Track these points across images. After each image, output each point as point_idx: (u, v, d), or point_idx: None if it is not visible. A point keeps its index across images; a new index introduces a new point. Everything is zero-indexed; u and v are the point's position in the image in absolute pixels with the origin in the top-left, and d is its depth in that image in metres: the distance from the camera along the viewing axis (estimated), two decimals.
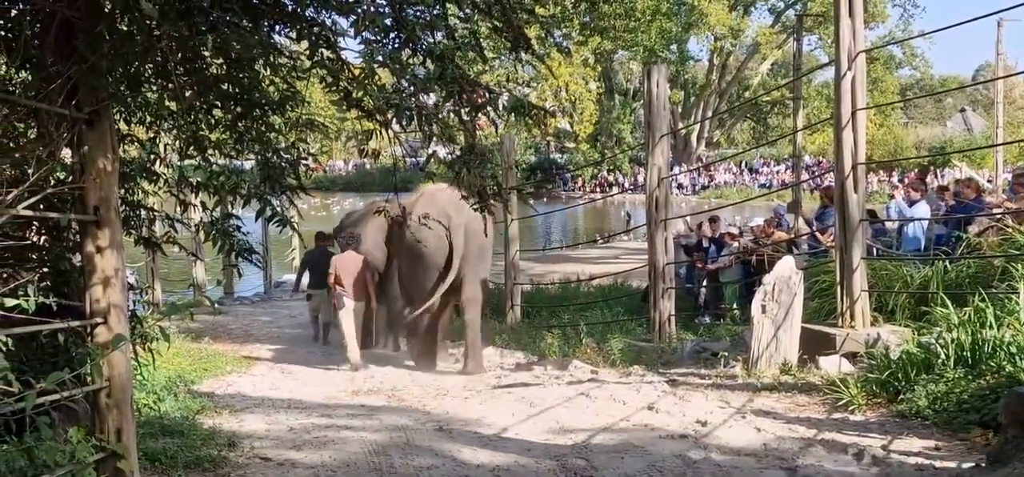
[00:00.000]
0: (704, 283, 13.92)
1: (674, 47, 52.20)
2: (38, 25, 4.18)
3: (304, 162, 5.19)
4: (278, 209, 5.09)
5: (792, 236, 14.00)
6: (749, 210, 38.24)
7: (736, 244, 14.12)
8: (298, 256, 25.38)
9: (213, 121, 5.09)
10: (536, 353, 11.12)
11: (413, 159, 5.48)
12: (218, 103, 4.95)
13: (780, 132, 58.47)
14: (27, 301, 3.89)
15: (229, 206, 5.41)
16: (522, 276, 14.81)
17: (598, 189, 62.77)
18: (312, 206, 46.97)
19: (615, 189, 59.75)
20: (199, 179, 5.17)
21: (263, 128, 5.07)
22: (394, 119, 4.30)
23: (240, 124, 5.03)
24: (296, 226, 5.13)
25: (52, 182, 4.07)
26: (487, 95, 4.51)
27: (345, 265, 11.23)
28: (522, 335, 12.38)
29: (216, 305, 16.81)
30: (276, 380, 10.22)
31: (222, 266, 19.39)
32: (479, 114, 4.56)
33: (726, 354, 9.04)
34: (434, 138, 4.46)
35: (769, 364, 8.41)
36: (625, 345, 10.38)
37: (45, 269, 4.51)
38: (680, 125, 52.02)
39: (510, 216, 13.49)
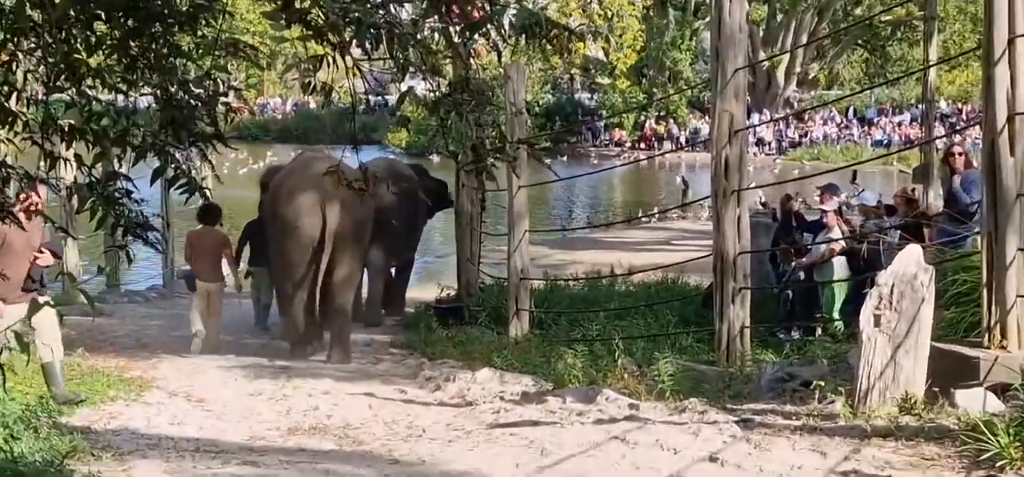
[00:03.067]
0: (793, 281, 13.92)
1: None
2: None
3: (224, 100, 5.18)
4: (185, 168, 5.09)
5: (920, 216, 13.99)
6: (860, 178, 38.07)
7: (837, 226, 14.13)
8: None
9: (93, 39, 5.08)
10: (551, 378, 11.13)
11: (379, 98, 5.49)
12: (101, 13, 4.93)
13: (904, 67, 58.38)
14: None
15: (115, 162, 5.41)
16: (533, 269, 14.84)
17: (642, 145, 62.84)
18: (235, 162, 47.04)
19: (667, 145, 59.77)
20: (72, 122, 5.17)
21: (165, 51, 5.06)
22: (354, 41, 4.29)
23: (132, 44, 5.02)
24: (209, 192, 5.12)
25: None
26: (487, 8, 4.50)
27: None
28: (531, 352, 12.41)
29: (95, 303, 16.83)
30: (180, 411, 10.26)
31: (104, 248, 19.42)
32: (476, 35, 4.54)
33: (822, 384, 9.03)
34: (411, 69, 4.45)
35: (883, 399, 8.39)
36: (678, 368, 10.38)
37: None
38: (762, 55, 51.86)
39: (516, 181, 13.50)
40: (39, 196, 8.24)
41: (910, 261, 8.68)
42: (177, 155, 5.12)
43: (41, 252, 10.04)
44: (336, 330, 13.58)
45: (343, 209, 13.24)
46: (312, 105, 76.55)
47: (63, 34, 4.96)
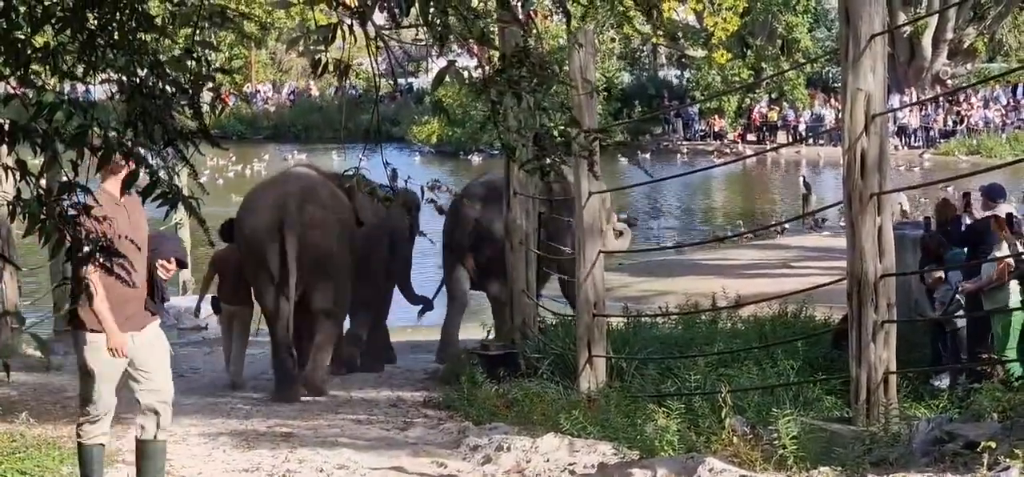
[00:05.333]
0: (952, 311, 13.82)
1: None
2: None
3: (209, 88, 5.20)
4: (161, 175, 5.11)
5: None
6: None
7: (1006, 241, 14.03)
8: (189, 260, 25.62)
9: (40, 10, 5.11)
10: (637, 445, 11.10)
11: (406, 80, 5.49)
12: None
13: None
14: None
15: (70, 169, 5.44)
16: (610, 302, 14.81)
17: (750, 137, 62.64)
18: (214, 170, 47.38)
19: (782, 137, 59.54)
20: (13, 118, 5.20)
21: (132, 23, 5.09)
22: (379, 4, 4.30)
23: (90, 16, 5.05)
24: (197, 205, 5.13)
25: None
26: None
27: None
28: (610, 412, 12.37)
29: (48, 350, 16.90)
30: None
31: (53, 282, 19.56)
32: None
33: (992, 446, 8.96)
34: (451, 38, 4.45)
35: None
36: (804, 428, 10.33)
37: None
38: (902, 18, 51.62)
39: (588, 185, 13.48)
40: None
41: None
42: (149, 159, 5.14)
43: (164, 262, 9.38)
44: (310, 356, 15.53)
45: (311, 231, 15.16)
46: (314, 93, 76.78)
47: (2, 5, 5.01)
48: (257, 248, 15.26)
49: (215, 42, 5.55)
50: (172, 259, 9.41)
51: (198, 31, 5.21)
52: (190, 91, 5.14)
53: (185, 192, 5.27)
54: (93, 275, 8.03)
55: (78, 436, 8.88)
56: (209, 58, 5.29)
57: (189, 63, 5.17)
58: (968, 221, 16.06)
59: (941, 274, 14.20)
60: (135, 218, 8.51)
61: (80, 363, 8.64)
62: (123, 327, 8.53)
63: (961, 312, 14.02)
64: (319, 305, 15.54)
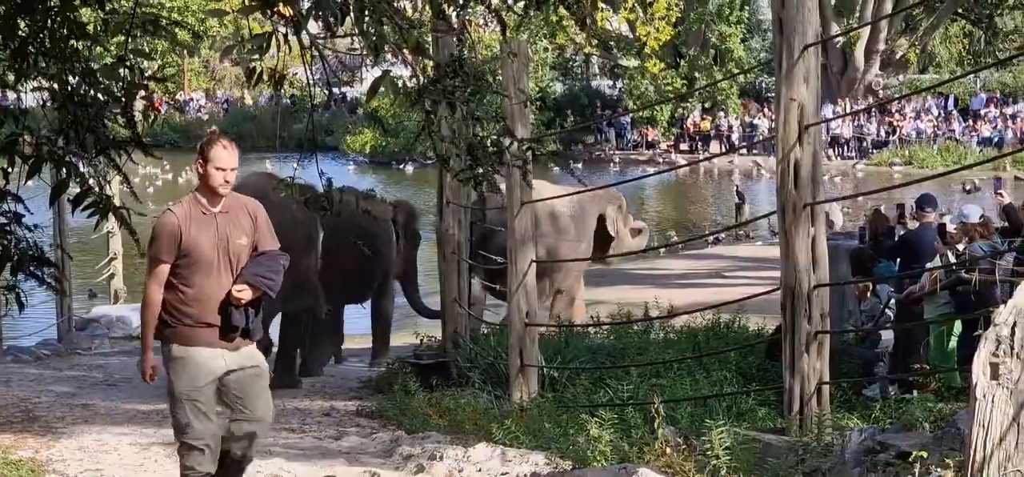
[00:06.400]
0: (884, 322, 13.91)
1: None
2: None
3: (141, 96, 5.17)
4: (92, 183, 5.08)
5: None
6: (957, 191, 38.26)
7: (941, 252, 14.14)
8: (120, 269, 25.51)
9: None
10: (569, 455, 11.12)
11: (343, 89, 5.48)
12: None
13: (1019, 43, 58.41)
14: None
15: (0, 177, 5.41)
16: (542, 311, 14.81)
17: (682, 147, 62.85)
18: (149, 176, 47.14)
19: (715, 146, 59.78)
20: None
21: (64, 31, 5.06)
22: (313, 13, 4.29)
23: (21, 23, 5.02)
24: (130, 213, 5.10)
25: None
26: None
27: None
28: (542, 421, 12.37)
29: None
30: None
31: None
32: (470, 3, 4.54)
33: (924, 455, 9.02)
34: (386, 48, 4.44)
35: (1004, 473, 8.38)
36: (737, 439, 10.36)
37: None
38: (835, 29, 52.03)
39: (520, 195, 13.49)
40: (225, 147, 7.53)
41: None
42: (81, 166, 5.11)
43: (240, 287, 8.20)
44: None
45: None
46: (247, 102, 76.68)
47: None
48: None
49: (148, 50, 5.52)
50: (247, 287, 8.16)
51: (131, 39, 5.18)
52: (123, 99, 5.12)
53: (117, 201, 5.24)
54: (152, 284, 7.85)
55: (182, 471, 8.38)
56: (142, 66, 5.26)
57: (122, 71, 5.14)
58: (902, 232, 16.18)
59: (868, 286, 14.30)
60: (230, 229, 7.96)
61: (166, 383, 8.26)
62: (207, 339, 8.09)
63: (891, 324, 14.12)
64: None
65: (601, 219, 19.99)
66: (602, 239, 20.06)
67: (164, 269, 7.84)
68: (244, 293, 8.02)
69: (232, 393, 8.19)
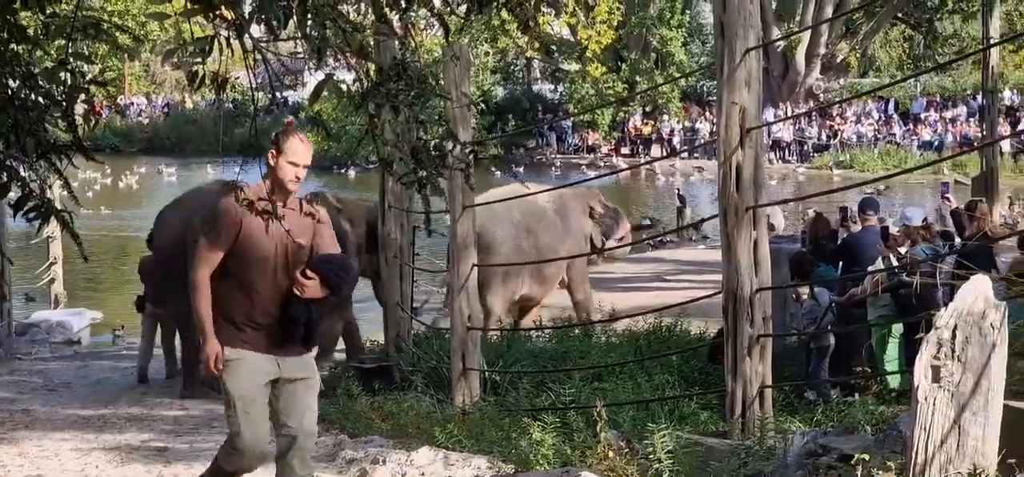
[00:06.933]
0: (826, 325, 13.97)
1: None
2: None
3: (83, 100, 5.14)
4: (34, 187, 5.05)
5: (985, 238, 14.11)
6: (902, 192, 38.47)
7: (884, 254, 14.22)
8: (60, 273, 25.36)
9: None
10: (512, 459, 11.10)
11: (285, 93, 5.46)
12: None
13: (958, 48, 58.89)
14: None
15: None
16: (483, 314, 14.80)
17: (623, 150, 62.96)
18: (89, 180, 46.81)
19: (656, 150, 59.92)
20: None
21: (4, 37, 5.02)
22: (256, 16, 4.28)
23: None
24: (71, 216, 5.07)
25: None
26: None
27: None
28: (484, 425, 12.35)
29: None
30: None
31: None
32: (412, 6, 4.53)
33: (866, 458, 9.06)
34: (328, 51, 4.43)
35: (945, 475, 8.43)
36: (679, 443, 10.38)
37: None
38: (775, 33, 52.26)
39: (462, 198, 13.49)
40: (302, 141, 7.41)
41: (977, 297, 8.71)
42: (20, 170, 5.07)
43: (307, 275, 7.75)
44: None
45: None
46: (188, 106, 76.36)
47: None
48: (165, 258, 16.06)
49: (89, 54, 5.49)
50: (317, 277, 7.72)
51: (72, 43, 5.15)
52: (64, 103, 5.08)
53: (58, 205, 5.20)
54: (201, 268, 7.64)
55: (218, 460, 8.10)
56: (83, 70, 5.23)
57: (63, 75, 5.11)
58: (844, 235, 16.28)
59: (806, 291, 14.36)
60: (297, 223, 7.61)
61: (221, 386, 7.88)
62: (260, 344, 7.79)
63: (832, 327, 14.18)
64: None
65: (592, 211, 19.96)
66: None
67: (214, 255, 7.59)
68: (312, 283, 7.60)
69: (280, 402, 7.86)
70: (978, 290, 8.82)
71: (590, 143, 63.76)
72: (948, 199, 16.45)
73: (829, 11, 55.49)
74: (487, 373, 14.08)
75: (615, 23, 55.55)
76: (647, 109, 63.04)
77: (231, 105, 61.72)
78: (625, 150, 62.75)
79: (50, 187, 5.09)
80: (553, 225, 18.94)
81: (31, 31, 5.17)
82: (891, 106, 60.46)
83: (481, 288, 17.22)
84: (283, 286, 7.69)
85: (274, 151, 7.25)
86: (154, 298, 17.64)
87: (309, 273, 7.61)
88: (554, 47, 62.07)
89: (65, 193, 5.43)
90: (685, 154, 56.70)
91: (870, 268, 14.09)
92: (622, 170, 52.78)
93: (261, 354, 7.76)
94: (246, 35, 4.53)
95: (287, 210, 7.43)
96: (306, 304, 7.68)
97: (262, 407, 7.79)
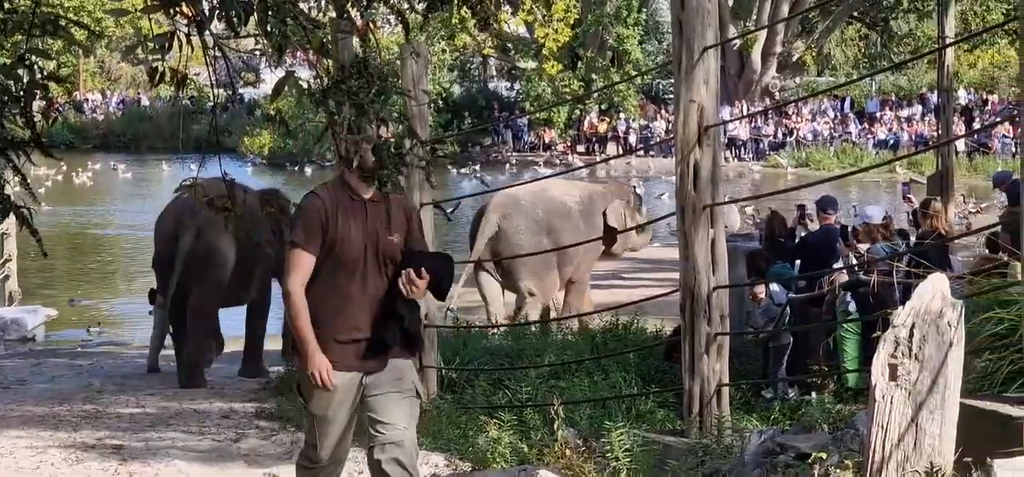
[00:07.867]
0: (782, 324, 14.00)
1: None
2: None
3: (40, 97, 5.12)
4: None
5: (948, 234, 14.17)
6: (858, 191, 38.67)
7: (844, 253, 14.27)
8: (15, 270, 25.21)
9: None
10: (468, 457, 11.11)
11: (241, 90, 5.44)
12: None
13: (913, 47, 59.22)
14: None
15: None
16: (439, 313, 14.78)
17: (579, 148, 62.98)
18: (42, 177, 46.53)
19: (612, 148, 59.96)
20: None
21: None
22: (218, 13, 4.26)
23: None
24: (31, 212, 5.04)
25: None
26: None
27: None
28: (441, 423, 12.34)
29: None
30: None
31: None
32: (373, 3, 4.52)
33: (823, 456, 9.09)
34: (289, 49, 4.42)
35: (903, 472, 8.45)
36: (636, 441, 10.38)
37: None
38: (732, 31, 52.37)
39: (420, 196, 13.46)
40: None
41: (934, 295, 8.74)
42: None
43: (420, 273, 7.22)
44: (184, 357, 16.65)
45: (197, 241, 16.32)
46: (144, 102, 76.07)
47: None
48: (160, 252, 16.75)
49: (46, 50, 5.45)
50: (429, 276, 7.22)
51: (29, 39, 5.12)
52: (21, 99, 5.05)
53: (15, 202, 5.17)
54: (294, 277, 7.07)
55: (299, 463, 7.91)
56: (40, 66, 5.20)
57: (20, 71, 5.07)
58: (802, 233, 16.33)
59: (762, 289, 14.39)
60: (380, 222, 7.04)
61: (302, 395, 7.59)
62: (347, 361, 7.31)
63: (788, 325, 14.22)
64: (196, 300, 16.71)
65: (605, 214, 19.91)
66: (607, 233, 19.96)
67: (309, 260, 7.04)
68: (423, 282, 7.09)
69: (368, 413, 7.38)
70: (936, 288, 8.85)
71: (546, 141, 63.70)
72: (910, 199, 16.52)
73: (785, 10, 55.63)
74: (444, 371, 14.05)
75: (572, 21, 55.52)
76: (603, 107, 63.05)
77: (189, 102, 61.62)
78: (581, 148, 62.72)
79: (6, 183, 5.05)
80: (576, 227, 18.98)
81: None
82: (847, 105, 60.68)
83: (508, 276, 18.76)
84: (375, 289, 7.25)
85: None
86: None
87: (423, 271, 7.09)
88: (511, 45, 62.09)
89: (21, 190, 5.38)
90: (641, 152, 56.75)
91: (834, 265, 14.16)
92: (578, 168, 52.67)
93: (348, 373, 7.32)
94: (206, 31, 4.51)
95: (376, 202, 6.96)
96: (410, 304, 7.31)
97: (342, 423, 7.45)
